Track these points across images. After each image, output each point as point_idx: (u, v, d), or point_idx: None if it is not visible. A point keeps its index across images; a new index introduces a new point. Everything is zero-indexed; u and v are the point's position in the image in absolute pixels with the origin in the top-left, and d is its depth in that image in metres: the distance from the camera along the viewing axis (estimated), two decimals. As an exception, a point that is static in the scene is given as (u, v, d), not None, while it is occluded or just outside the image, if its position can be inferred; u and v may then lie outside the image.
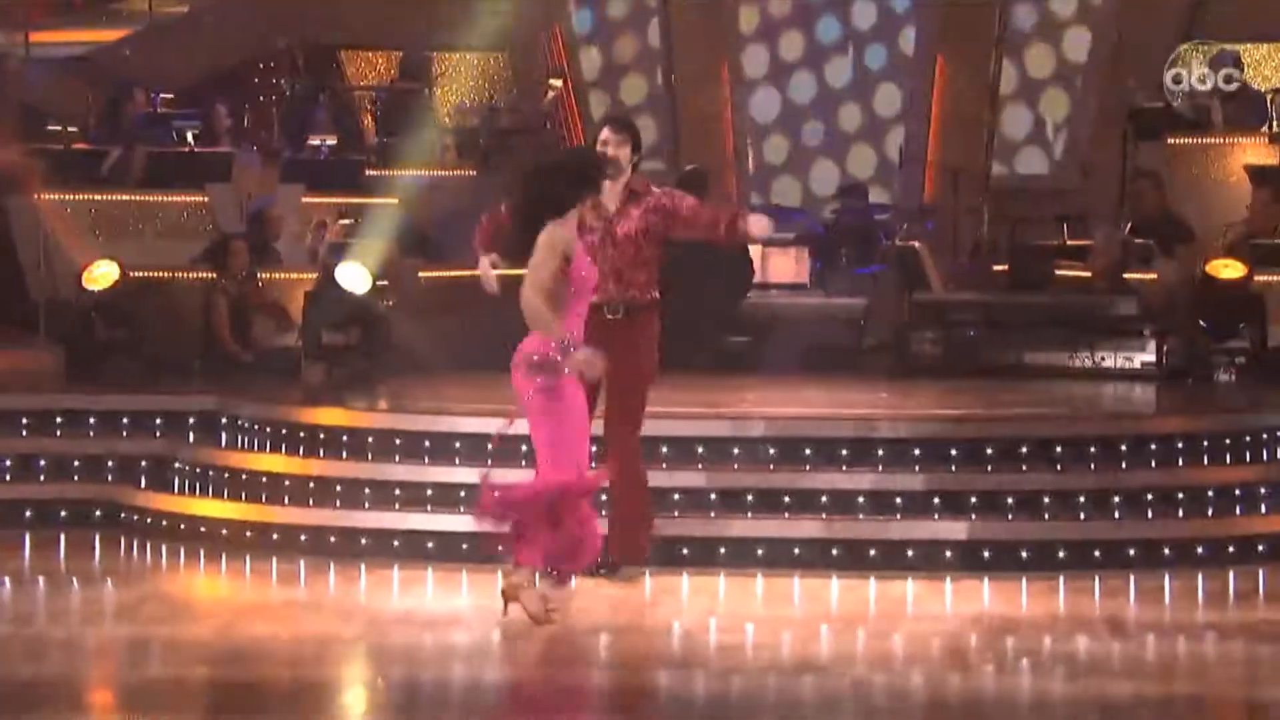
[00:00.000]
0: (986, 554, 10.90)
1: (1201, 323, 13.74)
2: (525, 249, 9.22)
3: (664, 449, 11.39)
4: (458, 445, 11.79)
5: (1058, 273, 15.59)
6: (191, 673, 8.87)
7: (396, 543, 11.37)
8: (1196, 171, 16.84)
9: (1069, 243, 16.11)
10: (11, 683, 8.62)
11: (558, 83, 19.76)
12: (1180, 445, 11.70)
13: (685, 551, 10.83)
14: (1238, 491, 11.61)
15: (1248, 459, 11.91)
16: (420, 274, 15.92)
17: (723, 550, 10.95)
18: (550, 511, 9.14)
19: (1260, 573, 11.06)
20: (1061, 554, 10.93)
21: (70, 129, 17.16)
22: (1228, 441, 11.86)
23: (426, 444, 11.84)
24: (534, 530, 9.19)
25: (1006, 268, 16.80)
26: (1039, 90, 20.02)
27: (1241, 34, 18.91)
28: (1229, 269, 13.86)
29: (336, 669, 9.27)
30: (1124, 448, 11.56)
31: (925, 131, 19.78)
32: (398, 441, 12.00)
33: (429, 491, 11.55)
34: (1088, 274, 14.98)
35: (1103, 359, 14.07)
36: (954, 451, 11.40)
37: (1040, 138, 20.03)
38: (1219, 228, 15.56)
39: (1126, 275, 14.75)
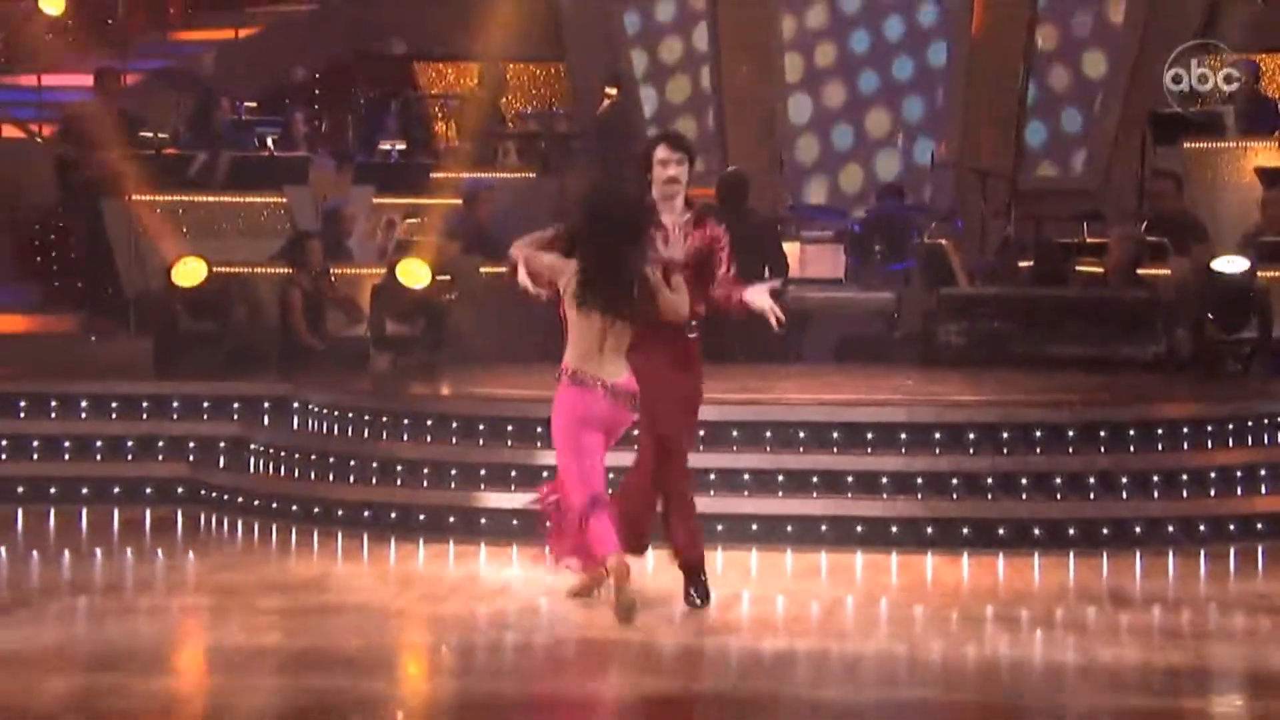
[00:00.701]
0: (1001, 531, 10.81)
1: (1210, 315, 13.53)
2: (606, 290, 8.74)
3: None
4: (509, 428, 11.73)
5: (1077, 269, 15.43)
6: (266, 638, 8.89)
7: (452, 519, 11.33)
8: (1210, 174, 16.58)
9: (1088, 240, 15.96)
10: (105, 646, 8.74)
11: (613, 91, 19.64)
12: (1185, 430, 11.55)
13: (719, 528, 10.69)
14: (1239, 473, 11.47)
15: (1249, 442, 11.76)
16: (481, 269, 15.76)
17: (754, 526, 10.92)
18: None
19: (1260, 549, 10.96)
20: (1071, 531, 10.83)
21: (161, 135, 17.11)
22: (1231, 426, 11.70)
23: (481, 427, 11.77)
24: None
25: (1031, 264, 16.74)
26: (1062, 102, 19.92)
27: (1254, 45, 18.69)
28: (1233, 263, 13.65)
29: (398, 635, 9.30)
30: (1131, 432, 11.40)
31: (958, 137, 19.70)
32: (454, 425, 11.92)
33: (482, 471, 11.50)
34: (1102, 270, 14.85)
35: (1117, 350, 13.94)
36: (972, 435, 11.26)
37: (1065, 143, 19.92)
38: (1231, 227, 15.39)
39: (1141, 271, 14.58)
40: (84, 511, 12.45)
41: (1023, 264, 16.81)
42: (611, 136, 18.70)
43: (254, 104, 18.63)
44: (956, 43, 19.73)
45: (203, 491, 12.58)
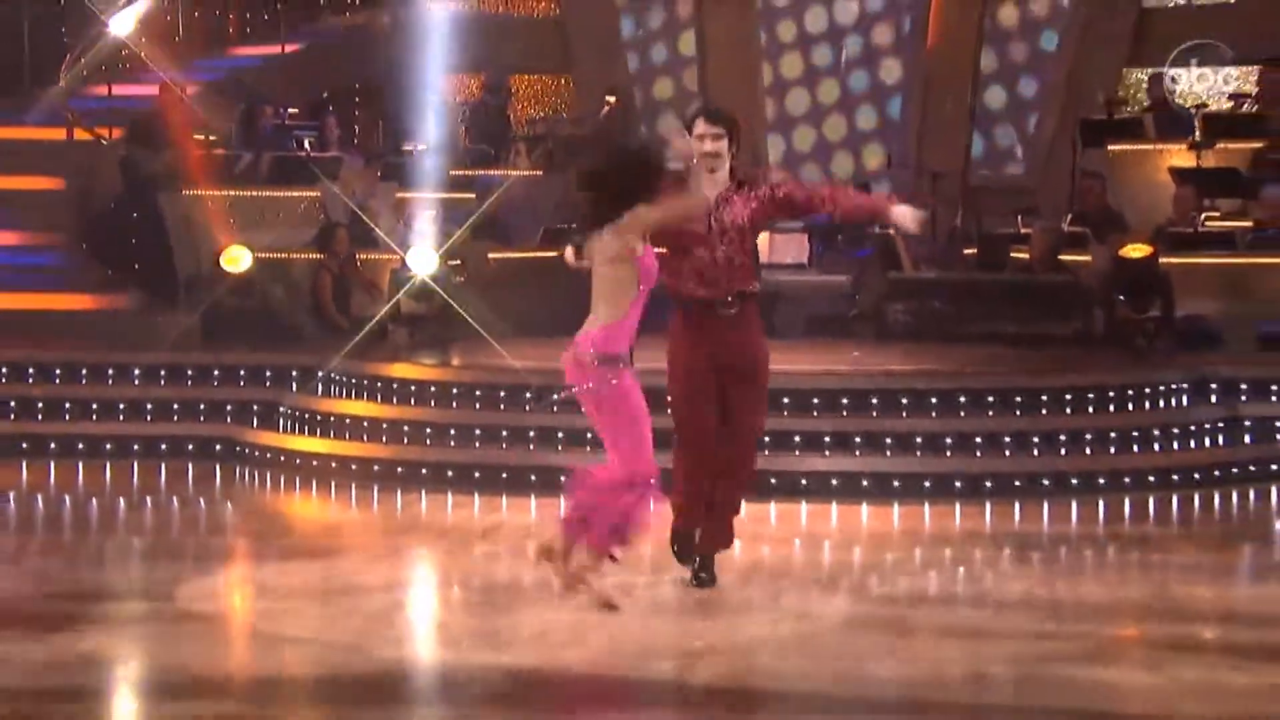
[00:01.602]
0: (928, 484, 11.00)
1: (1120, 297, 13.62)
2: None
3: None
4: (501, 394, 11.82)
5: (1012, 256, 15.57)
6: (296, 571, 9.09)
7: (451, 473, 11.43)
8: (1131, 174, 16.60)
9: (1021, 231, 16.07)
10: (157, 578, 8.94)
11: (613, 99, 19.69)
12: (1090, 395, 11.69)
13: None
14: (1135, 432, 11.64)
15: (1145, 407, 11.89)
16: (490, 255, 15.75)
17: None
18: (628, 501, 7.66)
19: (1151, 499, 11.15)
20: (989, 484, 11.02)
21: (211, 137, 17.18)
22: (1130, 392, 11.84)
23: (477, 393, 11.87)
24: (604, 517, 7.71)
25: (975, 252, 16.89)
26: (1006, 113, 20.01)
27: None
28: (1136, 250, 13.74)
29: (410, 570, 9.55)
30: (1044, 397, 11.57)
31: (914, 140, 19.85)
32: (455, 391, 12.03)
33: (476, 431, 11.58)
34: (1028, 257, 15.00)
35: (1042, 327, 14.00)
36: (904, 400, 11.41)
37: (1009, 148, 20.01)
38: (1148, 219, 15.38)
39: (1063, 258, 14.65)
40: (135, 465, 12.51)
41: (968, 252, 16.96)
42: (610, 138, 18.69)
43: (295, 110, 18.65)
44: (913, 60, 19.81)
45: (237, 449, 12.60)
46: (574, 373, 7.64)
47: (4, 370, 13.24)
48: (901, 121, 20.01)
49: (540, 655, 7.30)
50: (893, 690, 6.87)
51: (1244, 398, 12.25)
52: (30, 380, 13.18)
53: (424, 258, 13.94)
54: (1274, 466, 11.87)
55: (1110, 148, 16.78)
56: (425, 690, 7.02)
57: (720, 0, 19.52)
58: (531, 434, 11.49)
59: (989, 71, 19.80)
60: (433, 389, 12.10)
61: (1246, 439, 12.06)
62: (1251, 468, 11.83)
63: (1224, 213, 15.60)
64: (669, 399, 8.27)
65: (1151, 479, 11.39)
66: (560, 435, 11.37)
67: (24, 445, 12.71)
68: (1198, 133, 16.28)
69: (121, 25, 17.84)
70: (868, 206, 9.05)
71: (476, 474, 11.38)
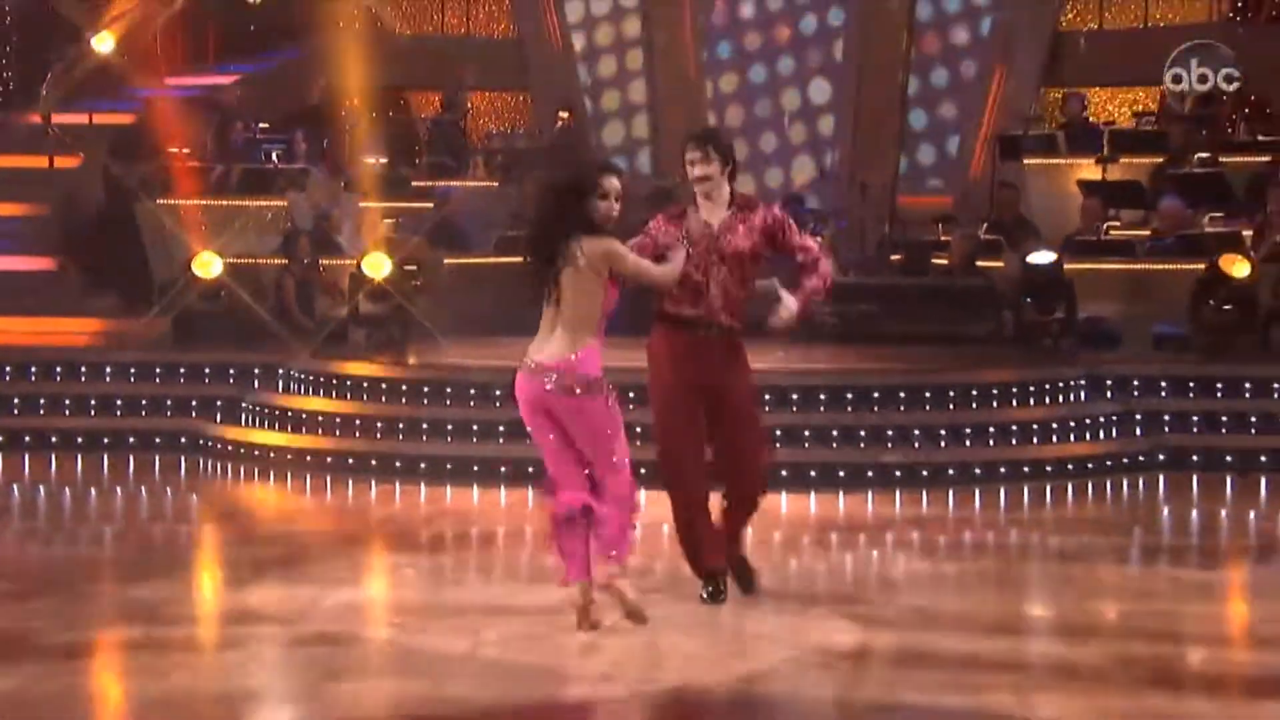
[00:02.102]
0: (841, 474, 11.09)
1: (1028, 300, 13.78)
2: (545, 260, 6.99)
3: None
4: (447, 389, 11.87)
5: (933, 261, 15.67)
6: (260, 550, 9.25)
7: (398, 464, 11.49)
8: (1044, 185, 16.74)
9: (943, 239, 16.18)
10: (127, 560, 9.09)
11: (566, 114, 19.73)
12: (994, 391, 11.84)
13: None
14: (1035, 425, 11.79)
15: (1046, 402, 12.04)
16: (446, 260, 15.59)
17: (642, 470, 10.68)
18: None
19: (1048, 487, 11.29)
20: (897, 473, 11.15)
21: (185, 150, 17.18)
22: (1032, 389, 11.99)
23: (425, 389, 11.93)
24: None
25: (901, 258, 16.95)
26: (939, 128, 20.13)
27: (1088, 81, 19.02)
28: (1037, 255, 13.85)
29: (368, 549, 9.66)
30: (951, 393, 11.70)
31: (845, 156, 19.96)
32: (403, 388, 12.05)
33: (424, 425, 11.66)
34: (947, 263, 15.11)
35: (958, 328, 14.05)
36: (822, 396, 11.54)
37: (934, 161, 20.12)
38: (1058, 228, 15.47)
39: (980, 264, 14.78)
40: (105, 458, 12.53)
41: (894, 258, 17.05)
42: (563, 150, 18.73)
43: (266, 125, 18.64)
44: (843, 83, 19.87)
45: (201, 441, 12.60)
46: (550, 397, 6.92)
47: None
48: (833, 139, 20.11)
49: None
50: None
51: (1136, 394, 12.43)
52: (7, 379, 13.25)
53: (376, 263, 13.95)
54: (1161, 457, 12.05)
55: (1025, 161, 16.93)
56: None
57: (664, 23, 19.52)
58: (475, 428, 11.60)
59: (914, 94, 19.90)
60: (383, 385, 12.16)
61: (1138, 431, 12.22)
62: (1141, 458, 11.99)
63: (1125, 223, 15.78)
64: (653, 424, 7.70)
65: (1049, 469, 11.54)
66: (501, 429, 11.39)
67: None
68: (1105, 148, 16.45)
69: (103, 44, 17.84)
70: (826, 282, 7.81)
71: (422, 465, 11.46)
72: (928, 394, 11.67)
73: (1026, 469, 11.45)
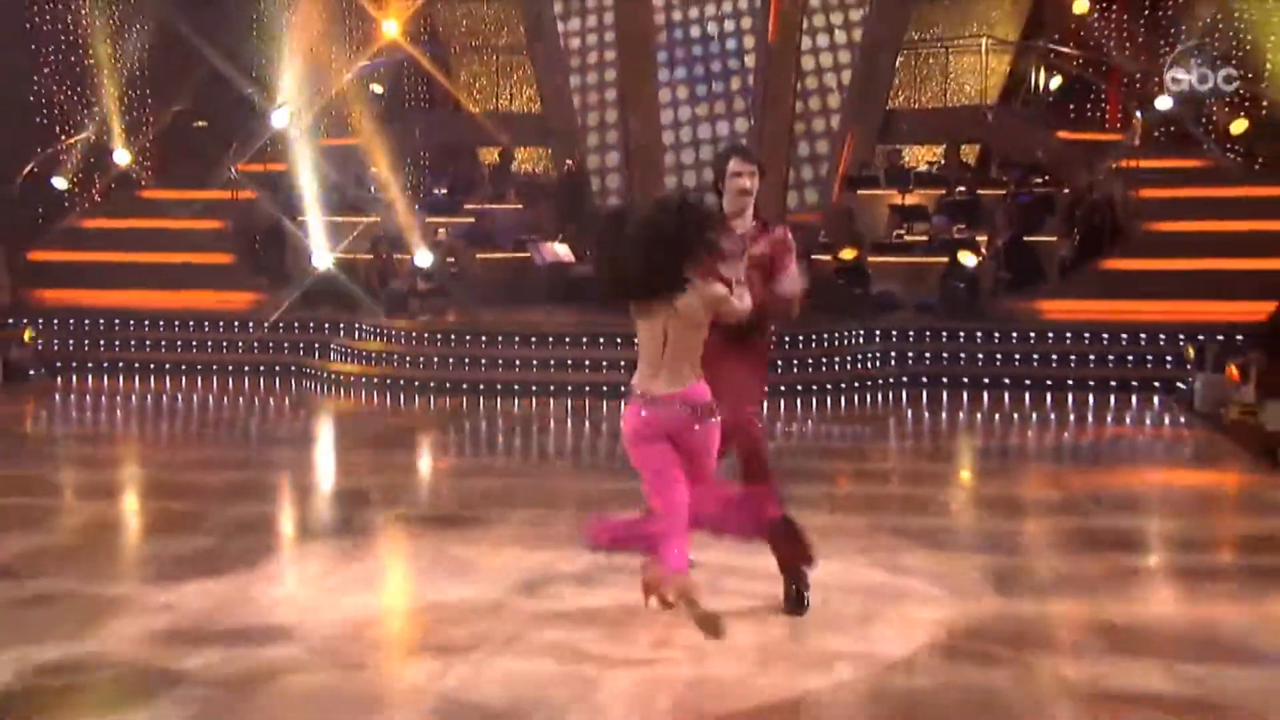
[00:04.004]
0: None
1: (840, 280, 13.97)
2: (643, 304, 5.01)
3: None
4: (482, 342, 12.11)
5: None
6: (350, 444, 9.49)
7: (431, 384, 11.61)
8: (869, 208, 16.50)
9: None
10: (251, 462, 8.69)
11: (571, 162, 19.74)
12: (800, 337, 12.02)
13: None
14: (836, 358, 12.04)
15: (839, 344, 12.32)
16: (477, 255, 15.68)
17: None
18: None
19: (842, 399, 11.47)
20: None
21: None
22: (828, 334, 12.31)
23: (467, 339, 12.12)
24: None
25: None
26: (811, 161, 19.51)
27: (904, 140, 18.23)
28: (846, 252, 14.14)
29: (422, 433, 9.72)
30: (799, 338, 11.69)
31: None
32: (438, 338, 12.33)
33: (450, 361, 11.86)
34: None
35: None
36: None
37: (808, 188, 20.04)
38: (877, 238, 15.52)
39: (818, 257, 14.36)
40: (261, 380, 12.84)
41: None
42: (571, 187, 18.07)
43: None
44: (759, 118, 18.39)
45: (307, 370, 12.76)
46: (678, 421, 4.98)
47: (160, 322, 13.81)
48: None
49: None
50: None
51: (897, 339, 12.99)
52: (205, 328, 13.75)
53: (423, 257, 14.37)
54: (905, 379, 12.54)
55: (859, 192, 16.98)
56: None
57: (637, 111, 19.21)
58: (483, 363, 12.05)
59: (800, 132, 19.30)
60: (425, 336, 12.51)
61: (893, 361, 12.71)
62: (891, 380, 12.43)
63: (913, 232, 15.95)
64: None
65: (842, 385, 12.01)
66: (500, 362, 11.94)
67: (167, 366, 13.25)
68: (911, 184, 16.95)
69: (279, 119, 18.25)
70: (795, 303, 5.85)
71: (446, 385, 11.89)
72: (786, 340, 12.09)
73: (828, 386, 11.95)
